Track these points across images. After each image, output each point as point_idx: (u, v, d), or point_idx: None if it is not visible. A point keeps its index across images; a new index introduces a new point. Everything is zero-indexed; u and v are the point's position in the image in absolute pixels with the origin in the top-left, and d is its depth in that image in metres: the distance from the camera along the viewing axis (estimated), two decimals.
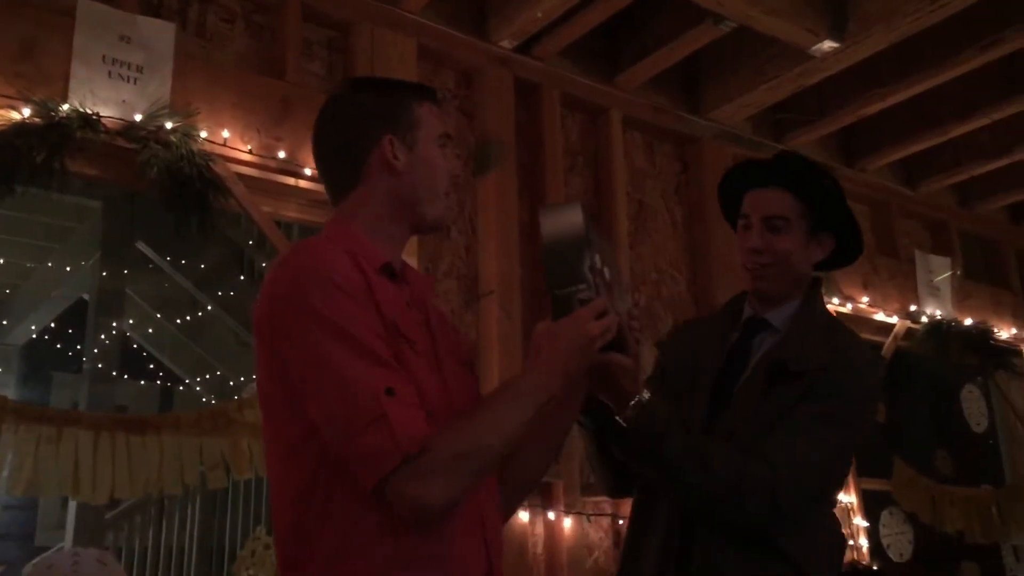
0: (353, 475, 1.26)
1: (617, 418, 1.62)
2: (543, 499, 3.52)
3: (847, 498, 4.29)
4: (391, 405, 1.24)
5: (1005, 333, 5.32)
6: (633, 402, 1.59)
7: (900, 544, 4.61)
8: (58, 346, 7.49)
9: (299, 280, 1.31)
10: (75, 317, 6.89)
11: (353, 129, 1.50)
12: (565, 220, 1.42)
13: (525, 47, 3.85)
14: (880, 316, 4.79)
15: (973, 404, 5.38)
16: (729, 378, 1.80)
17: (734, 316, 1.91)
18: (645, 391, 1.60)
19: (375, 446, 1.23)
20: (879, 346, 4.76)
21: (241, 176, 3.02)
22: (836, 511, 1.86)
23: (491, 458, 1.31)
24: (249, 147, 3.05)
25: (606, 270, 1.47)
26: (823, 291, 1.91)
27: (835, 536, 1.80)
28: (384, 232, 1.48)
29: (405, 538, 1.28)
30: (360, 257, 1.37)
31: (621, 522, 3.71)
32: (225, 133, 2.99)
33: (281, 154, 3.11)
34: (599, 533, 3.71)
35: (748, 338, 1.85)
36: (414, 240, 3.34)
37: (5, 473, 2.51)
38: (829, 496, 1.79)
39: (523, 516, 3.38)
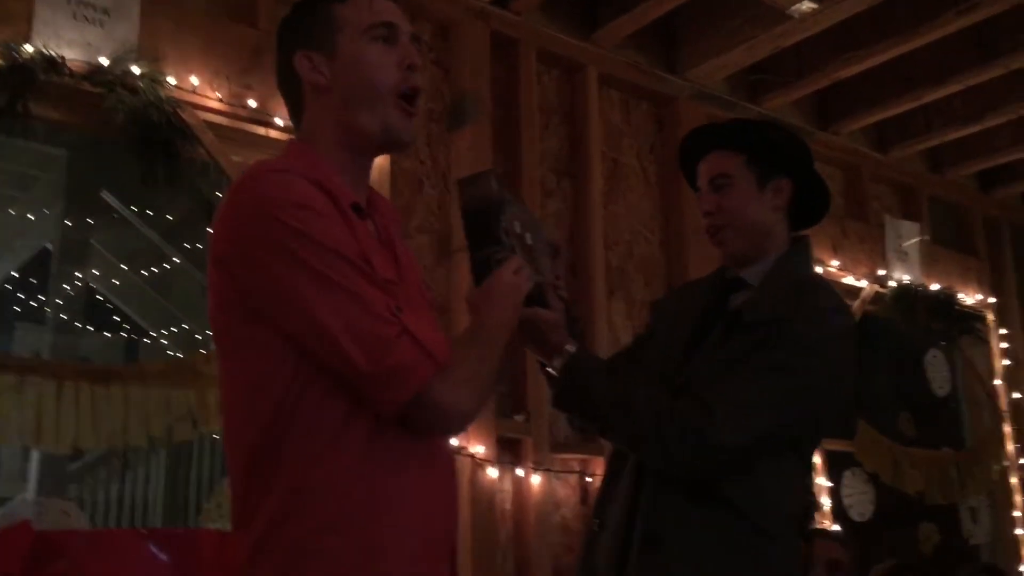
0: (377, 396, 1.21)
1: (548, 369, 1.69)
2: (511, 456, 3.53)
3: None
4: (403, 323, 1.22)
5: (970, 299, 5.39)
6: (559, 353, 1.65)
7: (861, 504, 4.69)
8: (20, 296, 7.37)
9: (267, 203, 1.21)
10: (38, 267, 6.78)
11: (280, 55, 1.39)
12: (480, 188, 1.48)
13: (503, 1, 3.79)
14: (849, 280, 4.82)
15: (937, 368, 5.45)
16: (702, 335, 1.82)
17: (720, 278, 1.94)
18: (571, 344, 1.65)
19: (410, 359, 1.20)
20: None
21: (210, 124, 2.96)
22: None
23: (495, 375, 1.33)
24: (219, 95, 2.99)
25: (527, 236, 1.54)
26: (805, 250, 1.88)
27: (793, 493, 1.79)
28: (340, 161, 1.35)
29: (379, 477, 1.23)
30: (329, 189, 1.28)
31: (589, 479, 3.74)
32: (194, 80, 2.93)
33: (252, 103, 3.05)
34: (567, 490, 3.73)
35: (724, 296, 1.87)
36: (386, 195, 3.30)
37: None
38: (786, 450, 1.73)
39: (491, 472, 3.39)
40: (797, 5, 3.75)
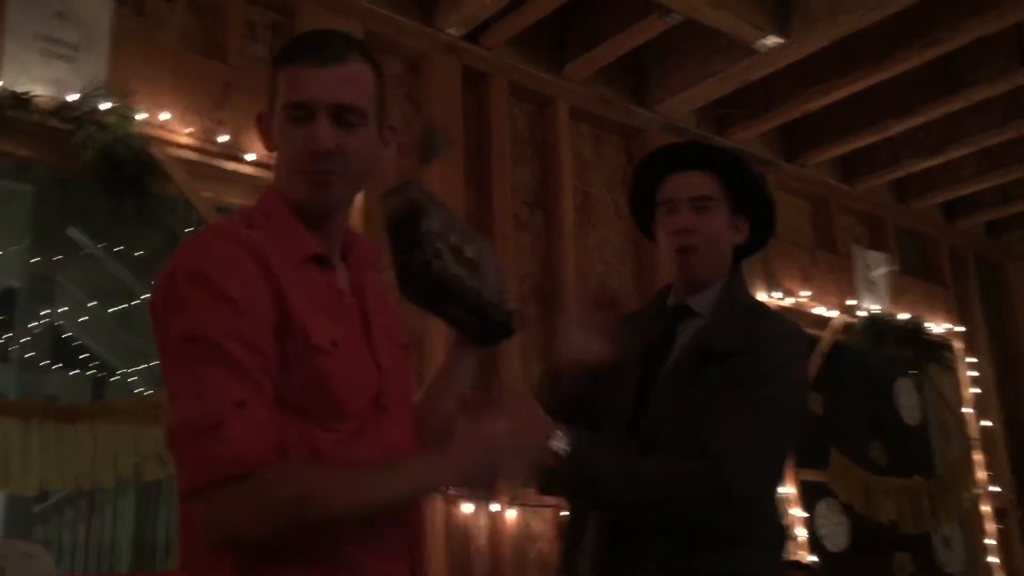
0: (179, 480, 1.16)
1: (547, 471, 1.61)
2: (484, 491, 3.50)
3: (785, 489, 4.35)
4: (234, 417, 1.13)
5: (938, 328, 5.45)
6: (558, 456, 1.58)
7: (836, 535, 4.69)
8: None
9: (176, 272, 1.21)
10: (4, 305, 6.68)
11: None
12: (400, 196, 1.42)
13: (473, 35, 3.82)
14: (819, 309, 4.86)
15: (906, 397, 5.50)
16: (654, 366, 1.80)
17: (660, 307, 1.91)
18: (559, 438, 1.58)
19: (203, 454, 1.12)
20: (817, 340, 4.84)
21: (181, 160, 2.94)
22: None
23: (330, 517, 1.16)
24: (189, 130, 2.97)
25: (467, 248, 1.49)
26: (745, 277, 1.91)
27: (777, 529, 1.79)
28: (289, 205, 1.35)
29: (312, 558, 1.19)
30: (280, 246, 1.26)
31: (564, 514, 3.71)
32: (164, 115, 2.91)
33: (223, 138, 3.03)
34: (542, 524, 3.70)
35: (672, 326, 1.85)
36: (358, 230, 3.29)
37: None
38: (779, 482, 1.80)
39: (466, 508, 3.36)
40: (763, 40, 3.81)
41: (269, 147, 1.36)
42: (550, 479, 1.63)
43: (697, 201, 1.80)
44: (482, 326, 1.54)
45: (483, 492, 1.47)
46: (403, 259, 1.37)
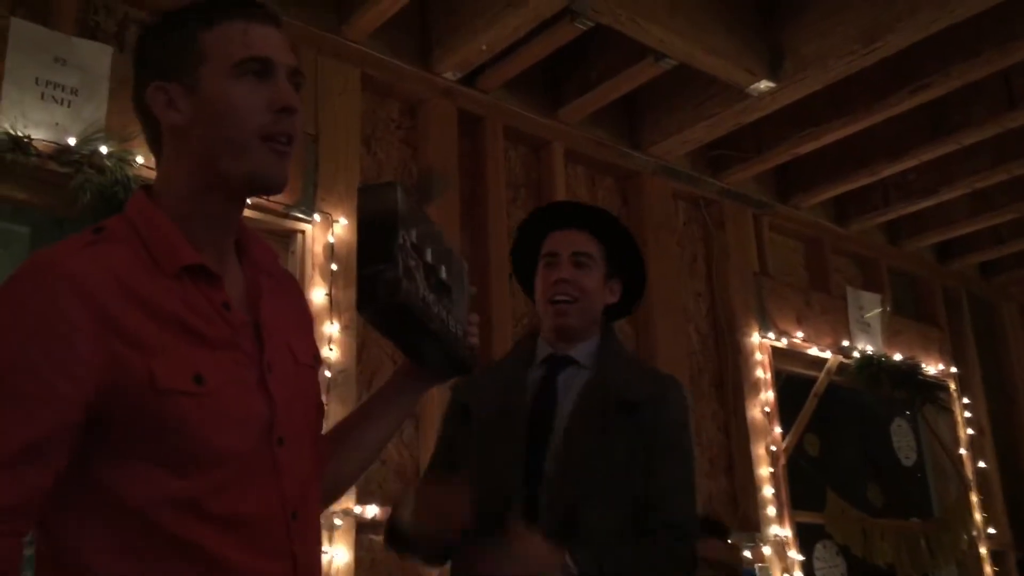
0: None
1: None
2: None
3: (782, 531, 4.33)
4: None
5: (933, 368, 5.46)
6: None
7: None
8: None
9: None
10: None
11: (135, 82, 1.22)
12: (380, 199, 1.28)
13: (469, 79, 3.86)
14: (813, 351, 4.87)
15: (902, 438, 5.49)
16: (542, 415, 1.85)
17: (528, 356, 1.98)
18: (567, 565, 1.62)
19: None
20: (812, 380, 4.84)
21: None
22: (772, 543, 2.05)
23: None
24: None
25: (441, 269, 1.38)
26: (618, 334, 2.05)
27: None
28: (198, 210, 1.19)
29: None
30: (140, 258, 1.13)
31: None
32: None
33: None
34: None
35: (552, 375, 1.91)
36: (353, 273, 3.30)
37: None
38: None
39: None
40: (756, 84, 3.86)
41: (172, 121, 1.18)
42: None
43: (577, 256, 1.93)
44: (439, 359, 1.42)
45: None
46: (369, 271, 1.23)
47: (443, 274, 1.37)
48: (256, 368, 1.19)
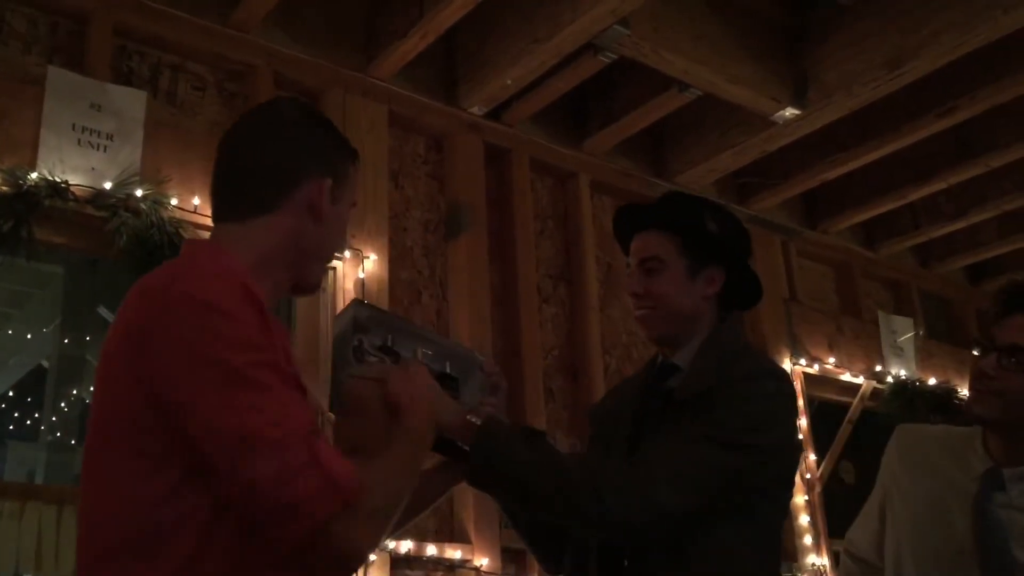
0: (272, 530, 1.10)
1: (459, 444, 1.53)
2: (517, 567, 3.46)
3: (819, 560, 4.28)
4: (318, 446, 1.12)
5: (968, 392, 5.38)
6: (466, 428, 1.50)
7: None
8: (15, 415, 7.30)
9: (192, 310, 1.13)
10: (33, 384, 6.74)
11: (296, 153, 1.33)
12: (342, 318, 1.47)
13: (495, 113, 3.90)
14: (846, 377, 4.83)
15: None
16: (638, 423, 1.75)
17: (651, 367, 1.87)
18: (475, 415, 1.52)
19: (311, 490, 1.09)
20: (846, 406, 4.79)
21: None
22: (810, 573, 1.79)
23: (400, 508, 1.25)
24: None
25: (436, 364, 1.51)
26: (735, 326, 1.81)
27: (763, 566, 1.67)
28: (270, 276, 1.29)
29: None
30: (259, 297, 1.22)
31: None
32: (196, 200, 2.98)
33: None
34: None
35: (657, 383, 1.79)
36: (375, 304, 3.33)
37: None
38: (742, 518, 1.63)
39: None
40: (781, 112, 3.87)
41: (317, 212, 1.31)
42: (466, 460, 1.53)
43: (645, 263, 1.76)
44: (439, 447, 1.52)
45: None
46: (336, 376, 1.40)
47: (447, 368, 1.51)
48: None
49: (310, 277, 1.36)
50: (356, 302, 1.47)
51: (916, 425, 2.22)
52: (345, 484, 1.12)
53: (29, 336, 6.42)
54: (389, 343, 1.45)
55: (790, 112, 3.86)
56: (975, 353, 1.92)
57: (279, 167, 1.32)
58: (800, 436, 4.49)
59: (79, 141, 2.82)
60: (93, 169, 2.80)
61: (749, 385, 1.65)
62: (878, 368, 4.96)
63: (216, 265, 1.24)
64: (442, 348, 1.52)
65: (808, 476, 4.41)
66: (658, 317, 1.75)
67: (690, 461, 1.57)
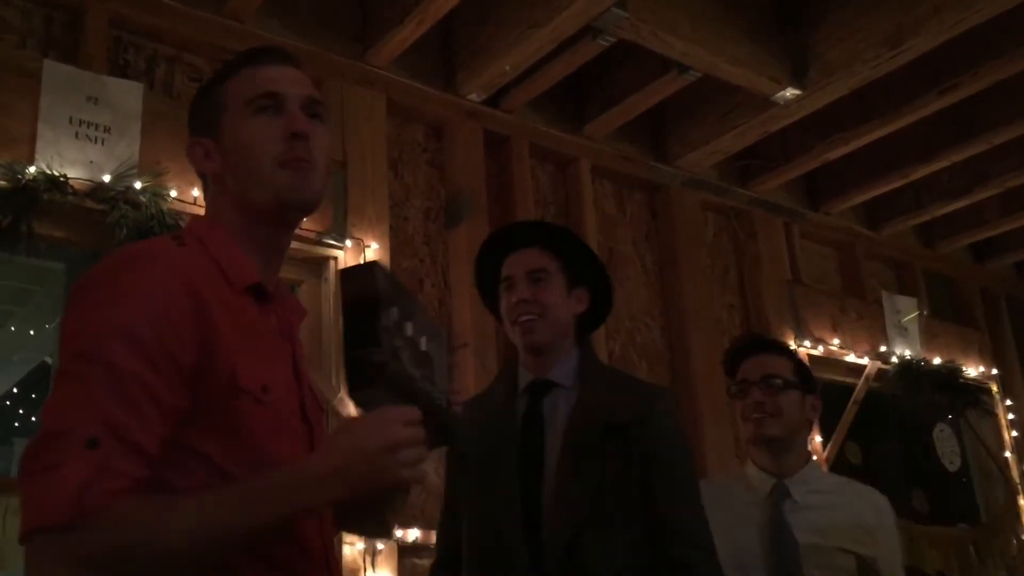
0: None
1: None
2: None
3: None
4: (80, 456, 0.99)
5: (973, 371, 5.37)
6: None
7: None
8: (20, 411, 7.31)
9: (90, 284, 1.12)
10: (37, 381, 6.74)
11: (191, 126, 1.35)
12: (361, 281, 1.29)
13: (493, 100, 3.88)
14: (851, 357, 4.81)
15: (945, 443, 5.40)
16: (532, 446, 1.85)
17: (511, 384, 1.98)
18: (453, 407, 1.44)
19: (29, 496, 0.99)
20: (851, 387, 4.78)
21: None
22: None
23: (178, 554, 1.01)
24: None
25: (422, 340, 1.37)
26: (593, 346, 2.08)
27: None
28: (247, 239, 1.27)
29: None
30: (219, 274, 1.19)
31: None
32: (195, 192, 2.96)
33: None
34: None
35: (537, 401, 1.91)
36: None
37: None
38: None
39: None
40: (781, 92, 3.84)
41: (209, 169, 1.28)
42: None
43: (533, 274, 1.93)
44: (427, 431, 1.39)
45: (376, 514, 1.26)
46: (356, 354, 1.24)
47: (423, 346, 1.38)
48: (297, 393, 1.25)
49: (256, 207, 1.25)
50: (377, 266, 1.31)
51: (710, 479, 2.64)
52: (48, 505, 0.97)
53: (32, 333, 6.41)
54: (397, 318, 1.30)
55: (790, 92, 3.84)
56: (733, 397, 2.26)
57: (190, 163, 1.34)
58: None
59: (76, 134, 2.80)
60: (91, 162, 2.79)
61: (673, 419, 1.90)
62: (882, 348, 4.94)
63: (163, 238, 1.26)
64: (422, 320, 1.41)
65: (815, 458, 4.39)
66: (545, 324, 1.91)
67: (703, 525, 1.83)
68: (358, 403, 1.30)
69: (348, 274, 1.29)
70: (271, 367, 1.20)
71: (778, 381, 2.23)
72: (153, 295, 1.09)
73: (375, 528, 1.33)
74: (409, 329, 1.32)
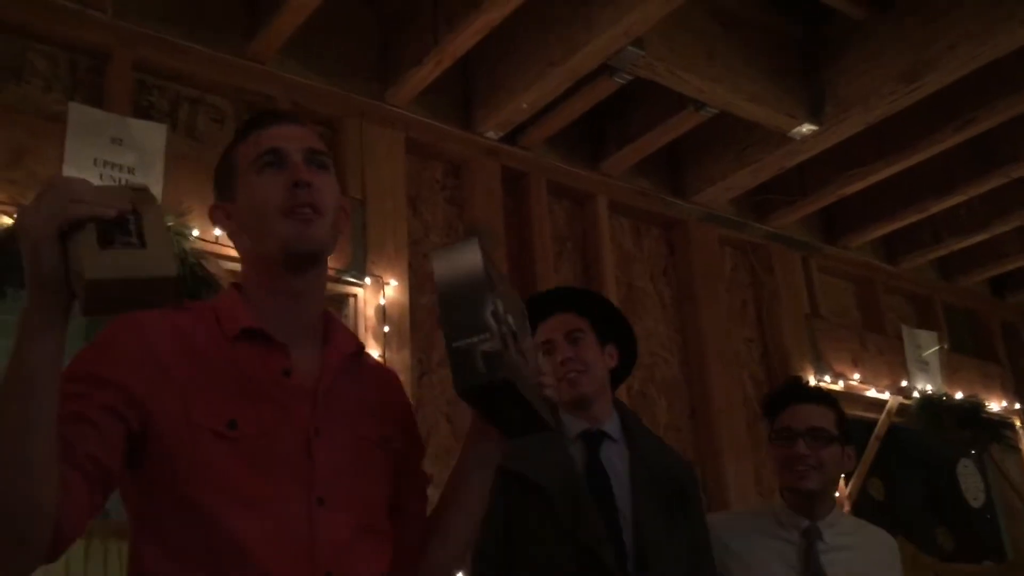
0: None
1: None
2: None
3: None
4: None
5: (996, 405, 5.32)
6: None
7: None
8: None
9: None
10: None
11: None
12: (461, 262, 1.16)
13: (511, 137, 3.91)
14: (872, 392, 4.78)
15: (969, 478, 5.34)
16: (600, 493, 1.98)
17: (560, 431, 2.06)
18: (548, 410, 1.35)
19: None
20: (872, 423, 4.74)
21: (234, 274, 3.01)
22: None
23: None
24: None
25: (509, 318, 1.22)
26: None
27: None
28: (263, 288, 1.33)
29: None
30: (210, 326, 1.28)
31: None
32: (217, 231, 2.99)
33: None
34: None
35: (594, 451, 2.05)
36: (406, 334, 3.33)
37: None
38: None
39: None
40: (797, 128, 3.86)
41: (229, 229, 1.36)
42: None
43: (571, 335, 2.10)
44: (527, 424, 1.26)
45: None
46: (462, 344, 1.11)
47: (511, 323, 1.21)
48: (303, 430, 1.25)
49: (265, 258, 1.31)
50: (479, 243, 1.18)
51: (721, 514, 2.82)
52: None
53: None
54: (500, 299, 1.18)
55: (807, 128, 3.85)
56: (773, 442, 2.30)
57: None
58: None
59: (101, 176, 2.83)
60: None
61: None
62: (904, 383, 4.91)
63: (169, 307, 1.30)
64: (509, 297, 1.25)
65: (837, 495, 4.35)
66: (589, 378, 2.07)
67: None
68: (467, 399, 1.16)
69: (447, 253, 1.17)
70: (251, 405, 1.23)
71: (824, 435, 2.25)
72: (112, 345, 1.22)
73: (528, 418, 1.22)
74: (501, 307, 1.18)
